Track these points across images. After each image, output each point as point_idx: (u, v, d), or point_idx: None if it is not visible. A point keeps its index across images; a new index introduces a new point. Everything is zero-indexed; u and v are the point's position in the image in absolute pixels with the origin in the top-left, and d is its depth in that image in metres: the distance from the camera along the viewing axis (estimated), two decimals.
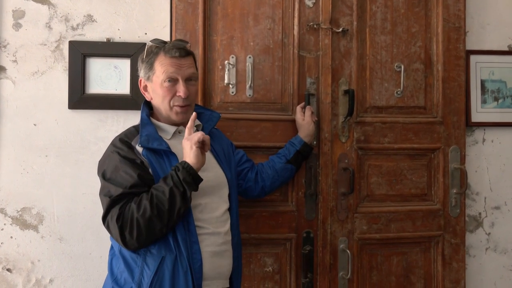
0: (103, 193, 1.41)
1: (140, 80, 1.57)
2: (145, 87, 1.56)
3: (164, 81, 1.48)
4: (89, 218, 1.90)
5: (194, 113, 1.49)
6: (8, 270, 1.88)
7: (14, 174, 1.88)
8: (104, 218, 1.38)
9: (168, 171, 1.42)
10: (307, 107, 1.91)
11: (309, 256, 1.93)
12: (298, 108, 1.92)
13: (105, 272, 1.86)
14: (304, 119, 1.88)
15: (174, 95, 1.50)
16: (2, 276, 1.87)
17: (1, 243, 1.87)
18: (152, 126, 1.51)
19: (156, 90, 1.51)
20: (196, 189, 1.41)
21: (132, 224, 1.34)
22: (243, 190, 1.79)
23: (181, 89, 1.49)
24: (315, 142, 1.95)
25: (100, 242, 1.89)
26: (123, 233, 1.34)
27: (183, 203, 1.38)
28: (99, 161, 1.50)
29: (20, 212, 1.88)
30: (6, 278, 1.87)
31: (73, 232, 1.90)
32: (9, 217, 1.88)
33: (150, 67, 1.51)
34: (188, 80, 1.51)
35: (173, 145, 1.50)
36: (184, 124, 1.50)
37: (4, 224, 1.87)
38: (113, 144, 1.49)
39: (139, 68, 1.57)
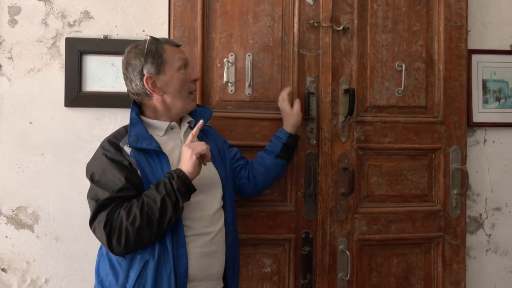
0: (90, 196, 1.38)
1: (147, 77, 1.46)
2: (154, 84, 1.47)
3: (181, 68, 1.51)
4: (85, 217, 1.84)
5: (201, 120, 1.47)
6: (3, 270, 1.85)
7: (9, 172, 1.86)
8: (91, 223, 1.35)
9: (158, 172, 1.40)
10: (296, 100, 1.87)
11: (308, 257, 1.91)
12: (286, 96, 1.86)
13: None
14: (293, 109, 1.84)
15: (188, 81, 1.54)
16: None
17: None
18: (142, 125, 1.46)
19: (171, 81, 1.49)
20: (188, 199, 1.39)
21: (121, 232, 1.31)
22: (237, 187, 1.76)
23: (193, 73, 1.56)
24: (314, 142, 1.93)
25: (96, 242, 1.82)
26: (110, 240, 1.32)
27: (175, 213, 1.35)
28: (88, 163, 1.46)
29: (15, 211, 1.86)
30: (1, 278, 1.85)
31: (69, 231, 1.88)
32: (4, 216, 1.85)
33: (160, 59, 1.47)
34: None
35: (164, 141, 1.47)
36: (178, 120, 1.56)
37: None
38: (101, 146, 1.45)
39: (138, 67, 1.47)
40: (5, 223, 1.85)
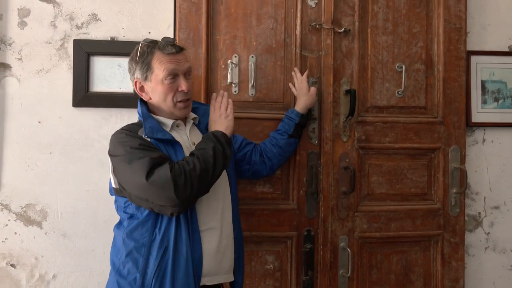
0: (136, 157, 1.38)
1: (136, 81, 1.54)
2: (142, 88, 1.55)
3: (165, 78, 1.49)
4: (92, 214, 1.93)
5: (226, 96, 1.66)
6: (12, 265, 1.90)
7: (18, 170, 1.90)
8: (149, 176, 1.35)
9: (174, 160, 1.44)
10: (312, 87, 1.92)
11: (310, 254, 1.95)
12: (305, 77, 1.92)
13: (107, 268, 1.88)
14: (310, 91, 1.90)
15: (176, 91, 1.51)
16: (6, 271, 1.89)
17: (5, 239, 1.89)
18: (153, 119, 1.52)
19: (155, 89, 1.51)
20: (231, 151, 1.53)
21: (186, 177, 1.37)
22: (252, 173, 1.82)
23: (183, 84, 1.51)
24: (316, 141, 1.97)
25: (103, 238, 1.91)
26: (176, 185, 1.35)
27: (224, 160, 1.47)
28: (113, 146, 1.46)
29: (24, 209, 1.91)
30: (10, 273, 1.89)
31: (77, 228, 1.93)
32: (13, 213, 1.90)
33: (147, 66, 1.50)
34: (186, 74, 1.53)
35: (174, 136, 1.52)
36: (183, 118, 1.59)
37: (8, 220, 1.90)
38: (118, 134, 1.47)
39: (132, 70, 1.54)
40: (14, 220, 1.90)
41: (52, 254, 1.92)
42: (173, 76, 1.50)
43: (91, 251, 1.93)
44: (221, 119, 1.59)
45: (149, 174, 1.36)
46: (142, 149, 1.40)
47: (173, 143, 1.49)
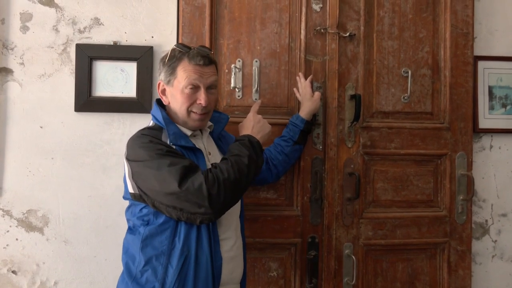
0: (165, 164, 1.35)
1: (159, 83, 1.54)
2: (163, 91, 1.54)
3: (186, 88, 1.47)
4: (94, 221, 1.91)
5: (259, 100, 1.75)
6: (13, 272, 1.88)
7: (20, 176, 1.89)
8: (182, 184, 1.33)
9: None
10: (316, 92, 1.90)
11: (314, 261, 1.92)
12: (308, 83, 1.91)
13: (109, 275, 1.89)
14: (314, 96, 1.89)
15: (194, 102, 1.48)
16: (7, 278, 1.87)
17: (7, 245, 1.88)
18: (175, 125, 1.50)
19: (175, 95, 1.49)
20: (263, 159, 1.52)
21: (220, 185, 1.34)
22: (257, 180, 1.81)
23: (202, 97, 1.47)
24: (320, 147, 1.95)
25: (105, 245, 1.90)
26: (210, 194, 1.33)
27: (257, 170, 1.46)
28: (134, 150, 1.43)
29: (25, 214, 1.89)
30: (11, 280, 1.88)
31: (78, 234, 1.91)
32: (14, 219, 1.88)
33: (172, 71, 1.49)
34: (209, 88, 1.50)
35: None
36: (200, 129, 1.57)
37: (10, 226, 1.88)
38: (142, 137, 1.44)
39: (159, 71, 1.54)
40: (16, 226, 1.88)
41: (54, 261, 1.90)
42: (194, 87, 1.47)
43: (93, 258, 1.91)
44: (259, 124, 1.62)
45: (182, 182, 1.33)
46: (171, 156, 1.37)
47: (195, 151, 1.47)
